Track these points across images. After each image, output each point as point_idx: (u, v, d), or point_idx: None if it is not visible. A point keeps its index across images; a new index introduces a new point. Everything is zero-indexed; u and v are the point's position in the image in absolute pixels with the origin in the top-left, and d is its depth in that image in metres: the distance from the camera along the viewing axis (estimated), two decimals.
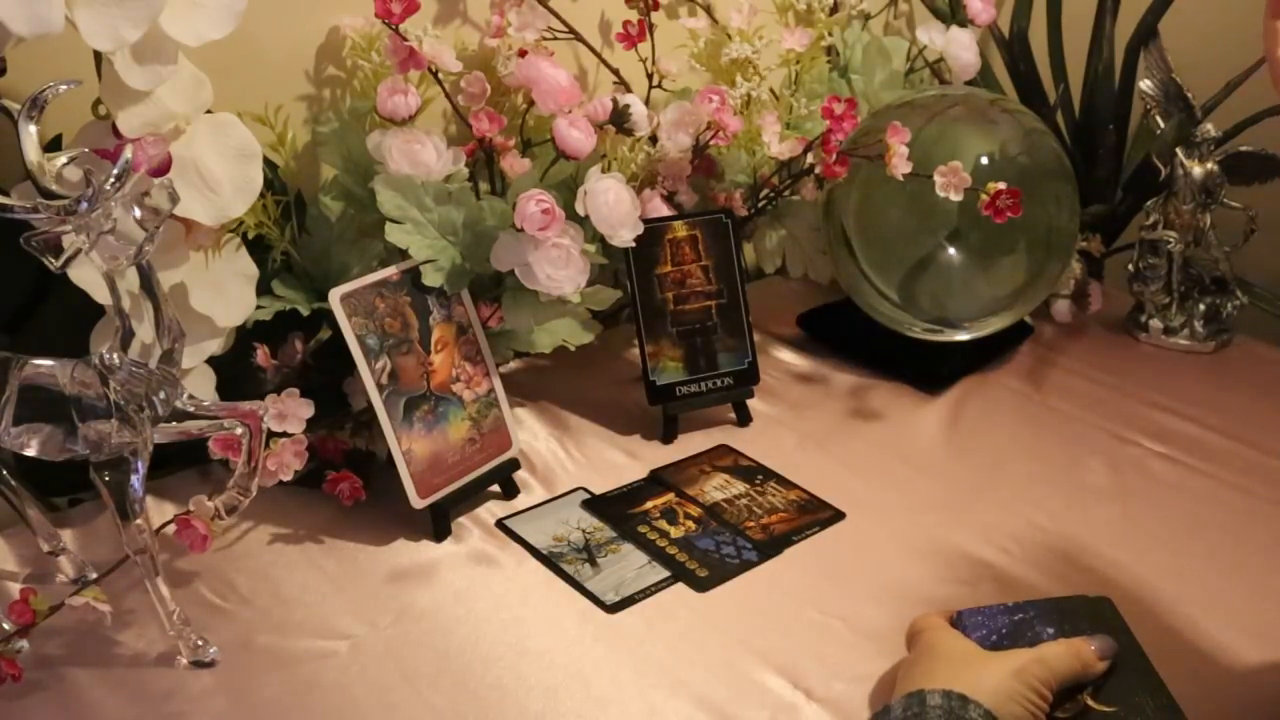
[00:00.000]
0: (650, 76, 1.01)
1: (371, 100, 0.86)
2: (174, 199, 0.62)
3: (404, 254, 0.84)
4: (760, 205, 1.04)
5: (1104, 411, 0.98)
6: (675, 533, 0.83)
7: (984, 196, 0.88)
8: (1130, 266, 1.10)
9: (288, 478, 0.77)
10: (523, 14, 0.93)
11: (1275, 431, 0.93)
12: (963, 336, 1.03)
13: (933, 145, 0.95)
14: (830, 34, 1.11)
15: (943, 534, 0.82)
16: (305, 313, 0.85)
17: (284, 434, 0.77)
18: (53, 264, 0.60)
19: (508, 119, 0.90)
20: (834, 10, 1.14)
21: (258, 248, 0.83)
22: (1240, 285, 1.09)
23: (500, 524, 0.84)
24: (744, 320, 0.96)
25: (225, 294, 0.80)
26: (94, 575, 0.74)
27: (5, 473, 0.72)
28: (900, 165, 0.90)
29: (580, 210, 0.85)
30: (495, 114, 0.88)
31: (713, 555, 0.80)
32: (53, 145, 0.75)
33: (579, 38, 0.99)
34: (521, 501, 0.87)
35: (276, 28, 0.88)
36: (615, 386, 1.02)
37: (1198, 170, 1.04)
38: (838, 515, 0.85)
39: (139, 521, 0.67)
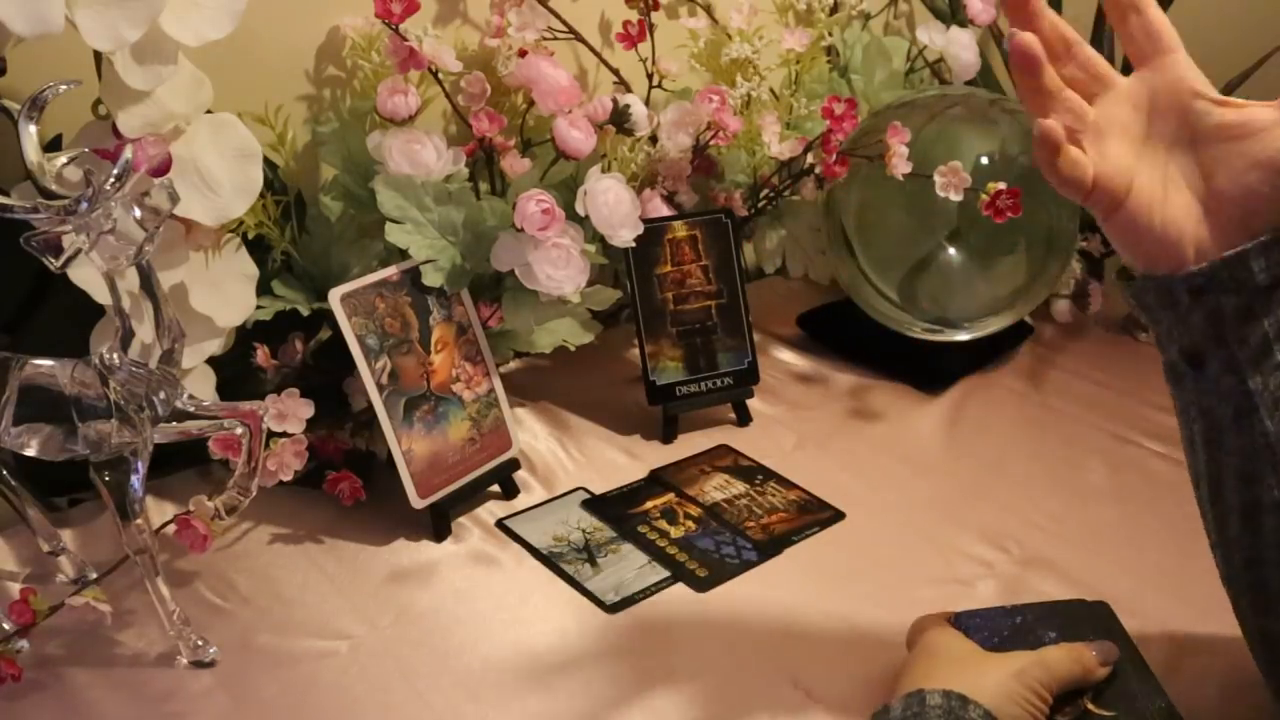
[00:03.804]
0: (650, 76, 1.01)
1: (371, 100, 0.86)
2: (174, 199, 0.62)
3: (404, 254, 0.84)
4: (760, 205, 1.04)
5: (1104, 411, 0.98)
6: (675, 533, 0.83)
7: (984, 196, 0.88)
8: None
9: (288, 478, 0.77)
10: (523, 14, 0.93)
11: None
12: (963, 336, 1.03)
13: (933, 145, 0.95)
14: (830, 34, 1.12)
15: (943, 534, 0.82)
16: (305, 313, 0.85)
17: (284, 434, 0.77)
18: (53, 264, 0.60)
19: (508, 119, 0.90)
20: (834, 10, 1.14)
21: (258, 248, 0.83)
22: None
23: (500, 524, 0.84)
24: (744, 320, 0.96)
25: (225, 294, 0.80)
26: (94, 575, 0.74)
27: (5, 473, 0.72)
28: (900, 165, 0.90)
29: (580, 210, 0.85)
30: (495, 114, 0.88)
31: (713, 555, 0.80)
32: (53, 145, 0.75)
33: (579, 38, 0.99)
34: (521, 501, 0.87)
35: (276, 28, 0.88)
36: (615, 386, 1.02)
37: None
38: (838, 515, 0.85)
39: (139, 521, 0.67)
